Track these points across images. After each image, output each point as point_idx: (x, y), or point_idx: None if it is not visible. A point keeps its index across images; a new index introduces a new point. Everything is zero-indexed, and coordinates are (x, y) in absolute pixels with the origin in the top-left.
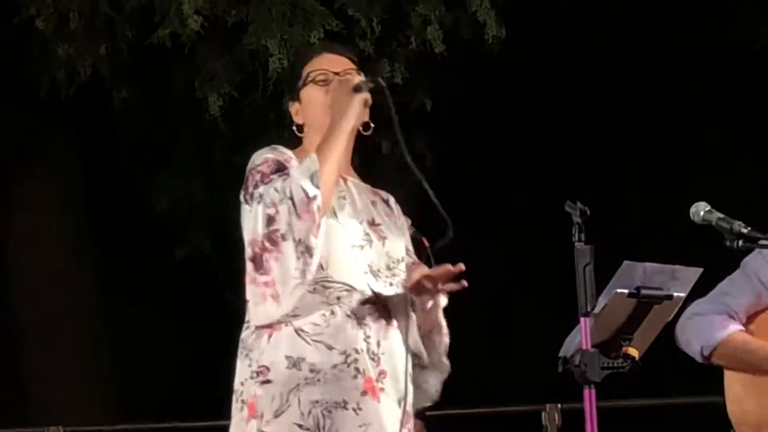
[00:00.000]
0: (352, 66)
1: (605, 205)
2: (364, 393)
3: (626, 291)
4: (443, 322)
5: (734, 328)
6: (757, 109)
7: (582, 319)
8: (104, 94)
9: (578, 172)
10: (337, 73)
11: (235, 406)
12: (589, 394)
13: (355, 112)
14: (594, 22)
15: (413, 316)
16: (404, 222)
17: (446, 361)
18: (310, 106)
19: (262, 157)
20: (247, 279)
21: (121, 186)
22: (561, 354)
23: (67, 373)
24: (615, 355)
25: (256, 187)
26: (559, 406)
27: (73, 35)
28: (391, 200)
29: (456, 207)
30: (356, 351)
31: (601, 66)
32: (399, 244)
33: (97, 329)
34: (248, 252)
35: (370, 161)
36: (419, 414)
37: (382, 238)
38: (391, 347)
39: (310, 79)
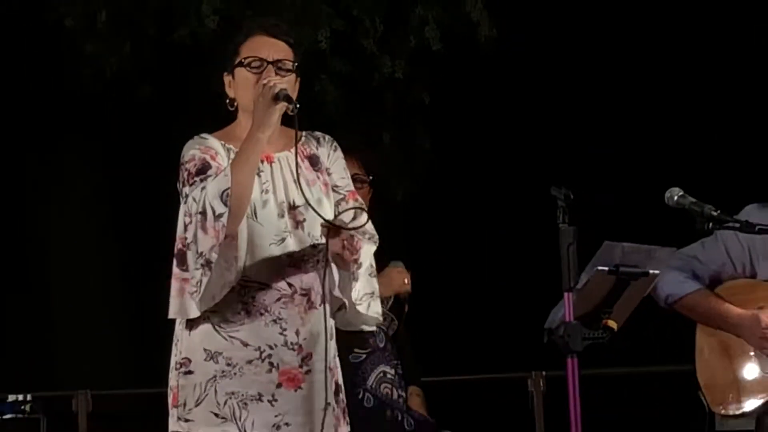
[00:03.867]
0: (288, 52)
1: (588, 189)
2: (279, 385)
3: (606, 268)
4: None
5: (697, 287)
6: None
7: (565, 294)
8: (128, 90)
9: (564, 160)
10: (270, 63)
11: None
12: (571, 363)
13: (273, 121)
14: (577, 21)
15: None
16: (337, 167)
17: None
18: (241, 87)
19: (190, 153)
20: (173, 271)
21: (143, 176)
22: (546, 326)
23: (94, 341)
24: (596, 327)
25: (183, 185)
26: (543, 373)
27: (99, 34)
28: (320, 151)
29: (452, 190)
30: (270, 347)
31: (584, 62)
32: (319, 216)
33: (120, 303)
34: (176, 245)
35: (374, 151)
36: (417, 381)
37: (301, 223)
38: (312, 329)
39: (246, 62)
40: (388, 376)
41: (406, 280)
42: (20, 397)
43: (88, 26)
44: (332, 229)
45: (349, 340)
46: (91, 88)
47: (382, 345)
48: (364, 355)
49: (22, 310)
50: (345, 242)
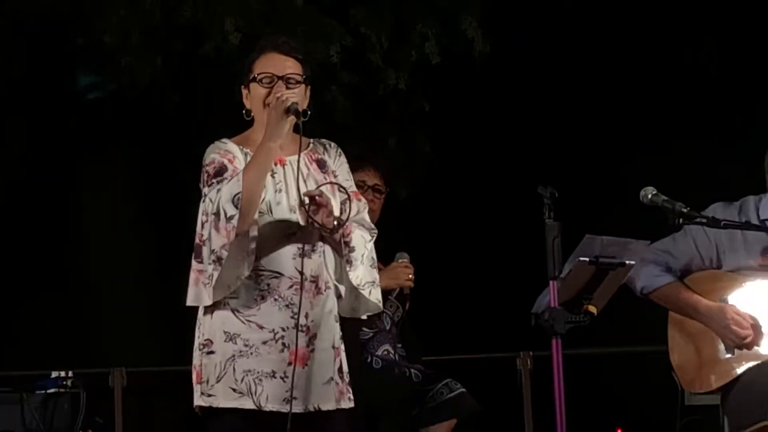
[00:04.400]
0: (298, 68)
1: (571, 188)
2: (289, 363)
3: (587, 259)
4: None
5: (671, 279)
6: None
7: (551, 282)
8: (159, 98)
9: (550, 161)
10: (280, 77)
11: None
12: (556, 344)
13: (284, 131)
14: (563, 37)
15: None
16: (342, 169)
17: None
18: (255, 100)
19: (210, 157)
20: (192, 262)
21: (172, 174)
22: (533, 310)
23: (129, 323)
24: (577, 312)
25: (203, 185)
26: (531, 353)
27: (134, 49)
28: (326, 156)
29: (450, 189)
30: (283, 329)
31: (568, 74)
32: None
33: (152, 289)
34: (195, 240)
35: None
36: (418, 360)
37: (310, 218)
38: (320, 313)
39: (258, 78)
40: (391, 354)
41: (410, 275)
42: (62, 374)
43: (123, 42)
44: (312, 202)
45: (358, 320)
46: (127, 97)
47: (387, 327)
48: (371, 334)
49: (63, 294)
50: (322, 209)
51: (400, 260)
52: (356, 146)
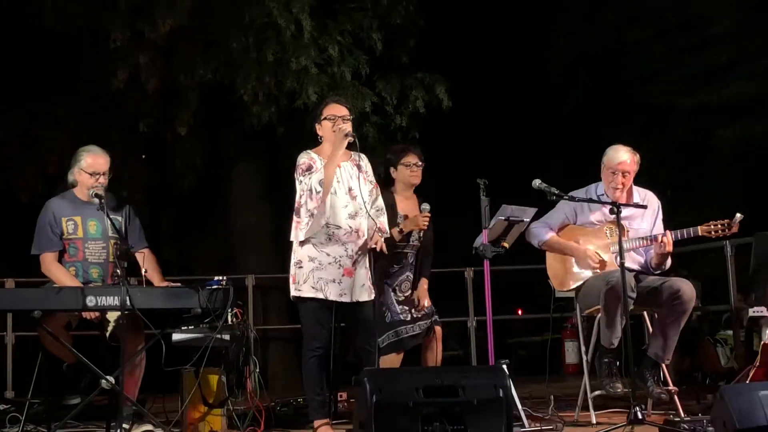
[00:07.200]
0: (347, 112)
1: (496, 179)
2: (343, 275)
3: (503, 218)
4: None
5: (553, 234)
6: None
7: (483, 230)
8: (273, 130)
9: (485, 163)
10: (340, 117)
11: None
12: (486, 264)
13: (344, 147)
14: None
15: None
16: (369, 170)
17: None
18: (325, 131)
19: (302, 160)
20: (293, 217)
21: (280, 168)
22: (474, 246)
23: (257, 249)
24: (498, 246)
25: (298, 176)
26: (472, 269)
27: (261, 102)
28: (362, 162)
29: (433, 178)
30: (339, 257)
31: (498, 114)
32: (362, 195)
33: (272, 230)
34: (295, 205)
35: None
36: (426, 275)
37: (354, 198)
38: (360, 249)
39: (327, 118)
40: (407, 280)
41: (426, 221)
42: (220, 278)
43: (254, 98)
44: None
45: (391, 258)
46: (255, 130)
47: (411, 261)
48: (397, 268)
49: (222, 235)
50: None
51: (423, 209)
52: (399, 144)
